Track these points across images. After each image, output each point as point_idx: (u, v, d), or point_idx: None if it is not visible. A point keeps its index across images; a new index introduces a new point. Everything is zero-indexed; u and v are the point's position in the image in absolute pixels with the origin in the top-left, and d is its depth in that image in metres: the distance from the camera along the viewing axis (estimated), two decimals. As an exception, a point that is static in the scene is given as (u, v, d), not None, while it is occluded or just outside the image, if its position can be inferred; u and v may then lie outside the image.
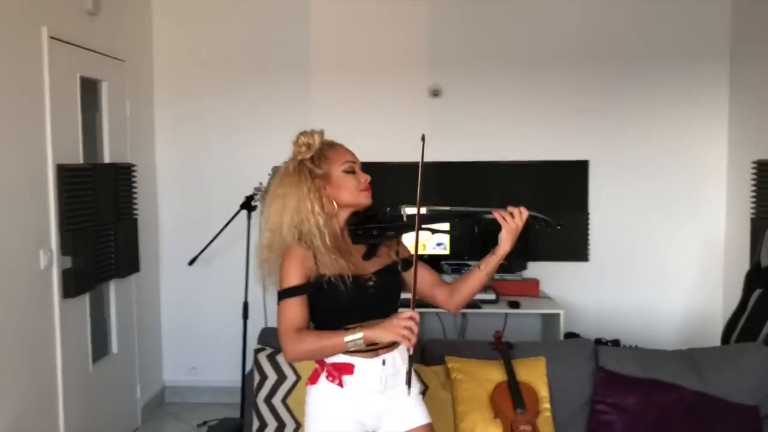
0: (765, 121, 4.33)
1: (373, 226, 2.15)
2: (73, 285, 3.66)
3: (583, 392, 2.91)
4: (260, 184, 4.36)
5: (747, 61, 4.60)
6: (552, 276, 4.86)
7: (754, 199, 4.33)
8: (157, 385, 4.99)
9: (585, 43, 4.87)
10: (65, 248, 3.63)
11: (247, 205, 4.36)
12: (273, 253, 2.14)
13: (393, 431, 2.17)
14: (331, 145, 2.18)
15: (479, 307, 4.35)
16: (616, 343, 4.50)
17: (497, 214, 2.09)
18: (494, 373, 2.89)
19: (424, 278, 2.24)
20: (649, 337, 4.75)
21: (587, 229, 4.89)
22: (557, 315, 4.35)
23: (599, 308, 4.92)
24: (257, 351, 3.05)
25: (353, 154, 2.18)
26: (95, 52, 4.04)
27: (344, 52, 4.94)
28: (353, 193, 2.13)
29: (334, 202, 2.13)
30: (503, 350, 2.94)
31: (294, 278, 2.06)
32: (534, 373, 2.90)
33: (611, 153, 4.89)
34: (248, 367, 3.97)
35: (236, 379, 4.62)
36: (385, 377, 2.12)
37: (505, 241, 2.11)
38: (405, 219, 2.12)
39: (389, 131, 4.88)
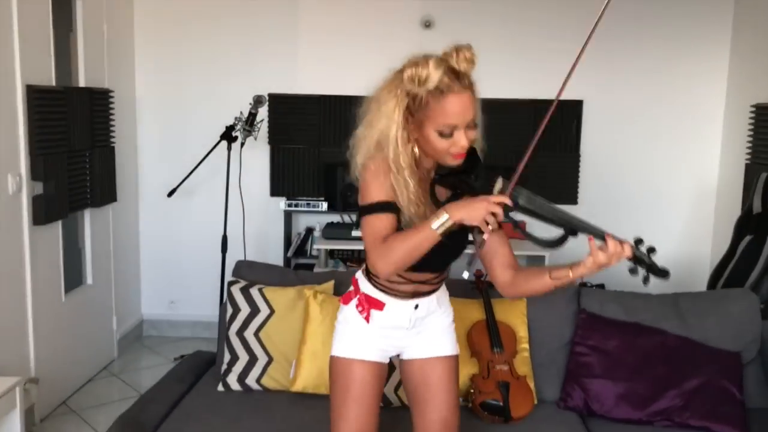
0: (766, 66, 4.18)
1: (458, 185, 1.85)
2: (43, 212, 3.54)
3: (563, 333, 2.84)
4: (241, 113, 4.21)
5: (751, 4, 4.41)
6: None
7: (750, 144, 4.22)
8: (135, 317, 4.93)
9: (585, -23, 4.66)
10: (35, 173, 3.50)
11: (228, 135, 4.21)
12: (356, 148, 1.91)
13: (412, 357, 2.10)
14: (441, 94, 1.75)
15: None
16: (601, 287, 4.43)
17: (592, 244, 1.78)
18: (473, 312, 2.82)
19: (500, 253, 1.96)
20: (636, 282, 4.62)
21: (578, 172, 4.78)
22: (542, 257, 4.27)
23: (585, 252, 4.83)
24: (231, 283, 2.97)
25: (463, 112, 1.77)
26: (68, -33, 3.83)
27: (333, -22, 4.73)
28: (440, 153, 1.81)
29: (419, 146, 1.85)
30: (483, 289, 2.86)
31: (379, 191, 1.82)
32: (513, 313, 2.83)
33: (606, 93, 4.74)
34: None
35: (215, 314, 4.53)
36: (415, 319, 2.05)
37: (587, 269, 1.80)
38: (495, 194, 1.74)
39: (379, 63, 4.55)
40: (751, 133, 4.21)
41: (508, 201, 1.72)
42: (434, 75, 1.74)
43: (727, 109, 4.67)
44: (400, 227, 1.84)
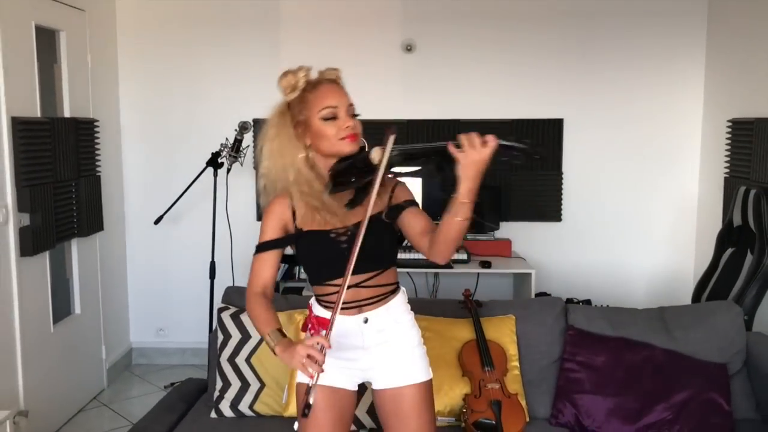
0: (741, 81, 4.28)
1: (350, 172, 1.96)
2: (30, 243, 3.54)
3: (553, 350, 2.87)
4: (226, 140, 4.24)
5: (724, 19, 4.52)
6: (524, 236, 4.81)
7: (728, 159, 4.30)
8: (124, 346, 4.90)
9: (562, 0, 4.75)
10: (22, 205, 3.51)
11: (214, 161, 4.24)
12: (269, 197, 2.06)
13: (383, 387, 2.09)
14: (315, 86, 1.97)
15: (451, 267, 4.30)
16: (587, 302, 4.48)
17: (450, 146, 1.78)
18: (463, 332, 2.84)
19: (414, 225, 2.01)
20: (621, 298, 4.74)
21: (561, 189, 4.84)
22: (529, 275, 4.31)
23: (571, 268, 4.90)
24: (221, 310, 2.98)
25: (339, 95, 1.96)
26: (52, 0, 3.85)
27: (314, 4, 4.78)
28: (332, 142, 1.95)
29: (316, 152, 2.01)
30: (472, 308, 2.89)
31: (267, 232, 2.04)
32: (503, 331, 2.86)
33: (586, 112, 4.82)
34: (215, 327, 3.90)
35: (204, 341, 4.52)
36: (367, 335, 2.04)
37: (464, 179, 1.77)
38: (376, 162, 1.87)
39: (361, 87, 4.64)
40: (729, 147, 4.29)
41: (322, 341, 1.81)
42: (301, 75, 1.97)
43: (704, 125, 4.76)
44: (300, 254, 2.05)
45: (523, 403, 2.72)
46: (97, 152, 4.32)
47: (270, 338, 1.93)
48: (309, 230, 2.01)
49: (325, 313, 2.05)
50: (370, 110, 4.10)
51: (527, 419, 2.70)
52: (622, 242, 4.91)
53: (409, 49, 4.76)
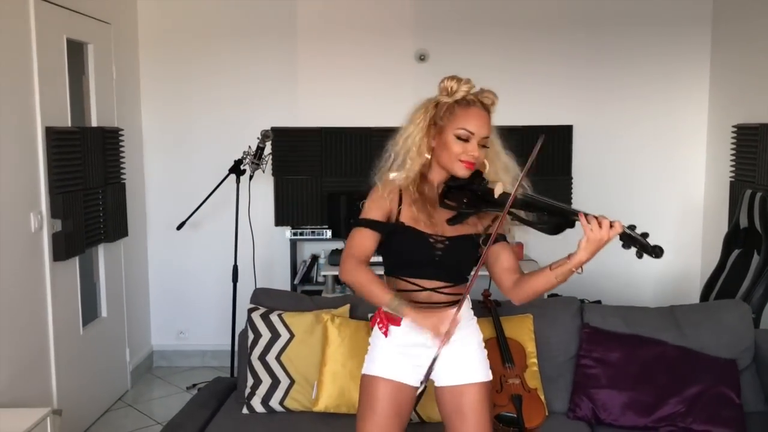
0: (745, 86, 4.42)
1: (465, 194, 2.09)
2: (63, 248, 3.67)
3: (569, 347, 3.00)
4: (249, 147, 4.38)
5: (728, 25, 4.66)
6: (536, 240, 4.92)
7: (733, 163, 4.43)
8: (146, 349, 5.04)
9: (571, 9, 4.90)
10: (55, 211, 3.64)
11: (236, 169, 4.37)
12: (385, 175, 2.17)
13: (445, 384, 2.19)
14: (467, 105, 2.10)
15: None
16: (598, 303, 4.59)
17: (582, 218, 1.90)
18: (483, 330, 2.89)
19: (503, 260, 2.16)
20: (631, 299, 4.86)
21: (570, 195, 4.97)
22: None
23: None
24: (251, 310, 3.10)
25: (481, 124, 2.09)
26: (81, 14, 4.00)
27: (330, 14, 4.93)
28: (451, 158, 2.09)
29: (434, 157, 2.15)
30: (491, 308, 3.02)
31: (371, 212, 2.15)
32: (521, 330, 2.98)
33: (595, 118, 4.96)
34: (237, 330, 4.02)
35: (224, 343, 4.67)
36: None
37: (583, 250, 1.90)
38: (496, 197, 2.00)
39: (375, 96, 4.90)
40: (734, 152, 4.42)
41: (452, 329, 1.99)
42: (463, 88, 2.10)
43: (709, 130, 4.90)
44: (392, 245, 2.15)
45: (542, 397, 2.85)
46: (122, 160, 4.46)
47: (394, 303, 2.04)
48: (411, 227, 2.12)
49: None
50: (384, 119, 4.27)
51: (546, 413, 2.82)
52: (630, 245, 5.02)
53: (422, 58, 4.90)
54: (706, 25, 4.86)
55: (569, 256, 1.96)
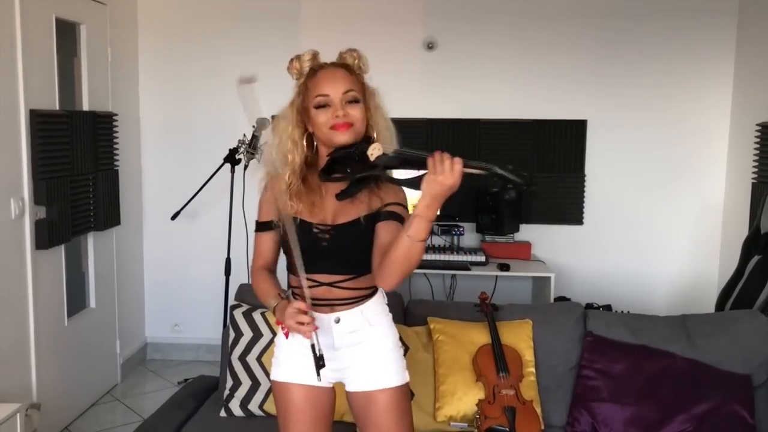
0: (771, 83, 4.17)
1: (347, 163, 1.88)
2: (46, 236, 3.53)
3: (570, 357, 2.81)
4: (244, 136, 4.21)
5: (755, 21, 4.41)
6: (545, 239, 4.73)
7: (756, 164, 4.19)
8: (139, 341, 4.90)
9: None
10: (38, 198, 3.50)
11: (231, 158, 4.21)
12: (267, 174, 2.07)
13: (354, 389, 2.04)
14: (314, 73, 1.96)
15: (468, 269, 4.24)
16: (607, 308, 4.39)
17: (431, 160, 1.67)
18: (478, 336, 2.78)
19: (379, 237, 1.90)
20: (643, 304, 4.64)
21: (583, 192, 4.75)
22: (548, 278, 4.24)
23: (592, 273, 4.81)
24: (233, 307, 2.96)
25: (334, 82, 1.91)
26: (72, -7, 3.86)
27: (335, 1, 4.74)
28: (323, 130, 1.91)
29: (316, 140, 1.99)
30: (488, 312, 2.83)
31: (262, 212, 2.08)
32: (519, 336, 2.80)
33: (610, 113, 4.73)
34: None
35: (219, 337, 4.50)
36: (340, 335, 2.00)
37: (425, 194, 1.68)
38: (372, 160, 1.80)
39: (381, 84, 4.63)
40: (757, 152, 4.18)
41: (302, 306, 1.84)
42: (306, 60, 1.99)
43: (732, 129, 4.65)
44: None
45: (539, 410, 2.66)
46: (115, 146, 4.31)
47: (270, 300, 1.99)
48: (294, 218, 1.96)
49: None
50: (391, 109, 4.07)
51: (542, 427, 2.62)
52: (644, 247, 4.82)
53: (430, 46, 4.70)
54: (732, 17, 4.60)
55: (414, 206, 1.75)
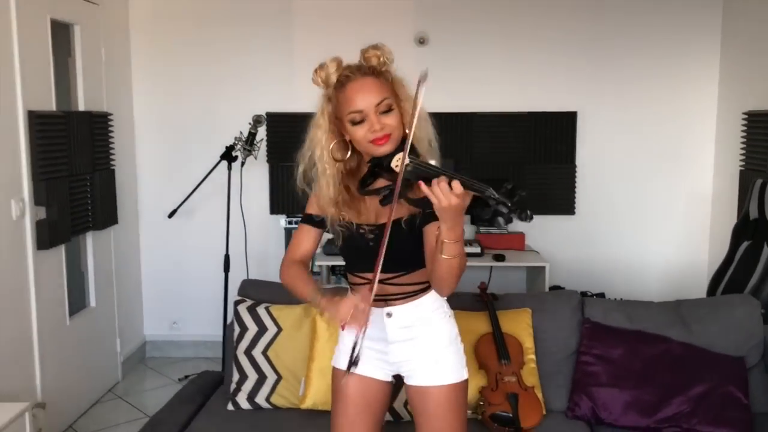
0: (756, 72, 4.25)
1: (376, 174, 1.89)
2: (47, 236, 3.56)
3: (569, 343, 2.87)
4: (240, 133, 4.24)
5: (739, 10, 4.49)
6: (538, 230, 4.80)
7: (743, 151, 4.27)
8: (138, 339, 4.93)
9: (575, -9, 4.74)
10: (38, 198, 3.52)
11: (228, 155, 4.24)
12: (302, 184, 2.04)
13: (411, 384, 2.06)
14: (342, 85, 1.90)
15: (464, 260, 4.29)
16: (601, 296, 4.47)
17: (425, 189, 1.67)
18: (479, 325, 2.84)
19: (429, 242, 1.89)
20: (635, 291, 4.73)
21: (574, 183, 4.82)
22: (542, 268, 4.31)
23: (585, 262, 4.89)
24: (237, 303, 2.99)
25: (366, 95, 1.86)
26: (66, -6, 3.87)
27: (327, -2, 4.78)
28: (363, 144, 1.90)
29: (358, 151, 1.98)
30: (488, 301, 2.89)
31: (309, 206, 2.09)
32: (519, 325, 2.86)
33: (600, 104, 4.80)
34: (229, 321, 3.92)
35: (218, 334, 4.57)
36: (393, 330, 2.02)
37: (441, 218, 1.70)
38: (396, 172, 1.79)
39: None
40: (744, 140, 4.27)
41: (359, 302, 1.80)
42: (331, 70, 1.92)
43: (719, 117, 4.73)
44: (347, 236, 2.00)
45: (540, 396, 2.72)
46: (111, 146, 4.33)
47: (314, 293, 1.95)
48: (342, 220, 1.99)
49: None
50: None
51: (544, 412, 2.69)
52: (635, 235, 4.90)
53: (422, 42, 4.75)
54: (716, 7, 4.68)
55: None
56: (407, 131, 1.78)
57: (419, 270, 2.00)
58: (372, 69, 1.93)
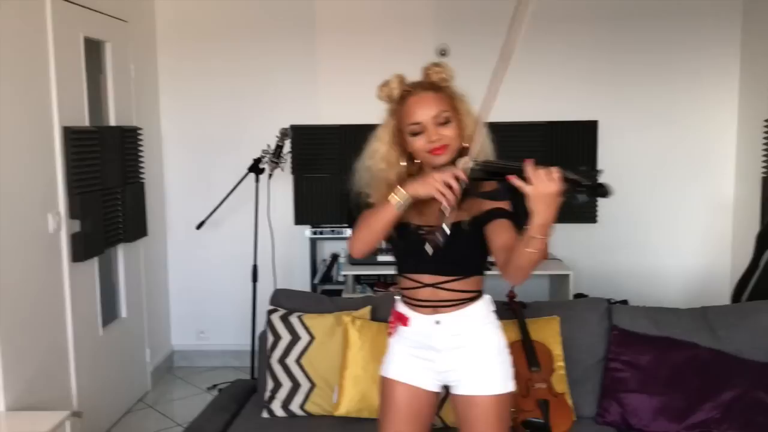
0: (777, 80, 4.28)
1: None
2: (82, 249, 3.64)
3: (597, 350, 2.91)
4: (268, 146, 4.32)
5: (760, 18, 4.52)
6: (560, 237, 4.83)
7: (765, 158, 4.30)
8: (166, 349, 5.01)
9: (596, 1, 4.79)
10: (73, 212, 3.61)
11: (255, 167, 4.33)
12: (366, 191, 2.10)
13: (457, 393, 2.10)
14: (404, 99, 2.00)
15: (487, 269, 4.33)
16: (624, 303, 4.49)
17: (514, 180, 1.75)
18: (508, 333, 2.82)
19: (495, 239, 1.96)
20: (657, 298, 4.75)
21: (596, 191, 4.84)
22: (566, 276, 4.35)
23: (607, 270, 4.92)
24: (270, 312, 3.05)
25: (424, 107, 1.96)
26: (98, 12, 3.97)
27: (349, 10, 4.86)
28: (422, 155, 2.00)
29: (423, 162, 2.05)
30: (517, 309, 2.94)
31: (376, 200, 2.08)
32: (548, 332, 2.90)
33: (621, 113, 4.84)
34: (257, 330, 3.98)
35: (244, 343, 4.63)
36: (442, 338, 2.06)
37: (534, 213, 1.75)
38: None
39: None
40: (766, 147, 4.29)
41: (459, 174, 1.85)
42: (394, 85, 2.03)
43: (740, 124, 4.76)
44: (393, 237, 2.06)
45: (570, 402, 2.76)
46: (140, 159, 4.42)
47: (396, 196, 1.92)
48: (402, 221, 2.02)
49: (405, 310, 2.11)
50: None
51: (574, 418, 2.74)
52: (657, 243, 4.92)
53: (443, 53, 4.81)
54: (736, 16, 4.71)
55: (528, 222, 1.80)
56: (465, 144, 1.92)
57: (473, 277, 2.06)
58: (432, 84, 2.03)
